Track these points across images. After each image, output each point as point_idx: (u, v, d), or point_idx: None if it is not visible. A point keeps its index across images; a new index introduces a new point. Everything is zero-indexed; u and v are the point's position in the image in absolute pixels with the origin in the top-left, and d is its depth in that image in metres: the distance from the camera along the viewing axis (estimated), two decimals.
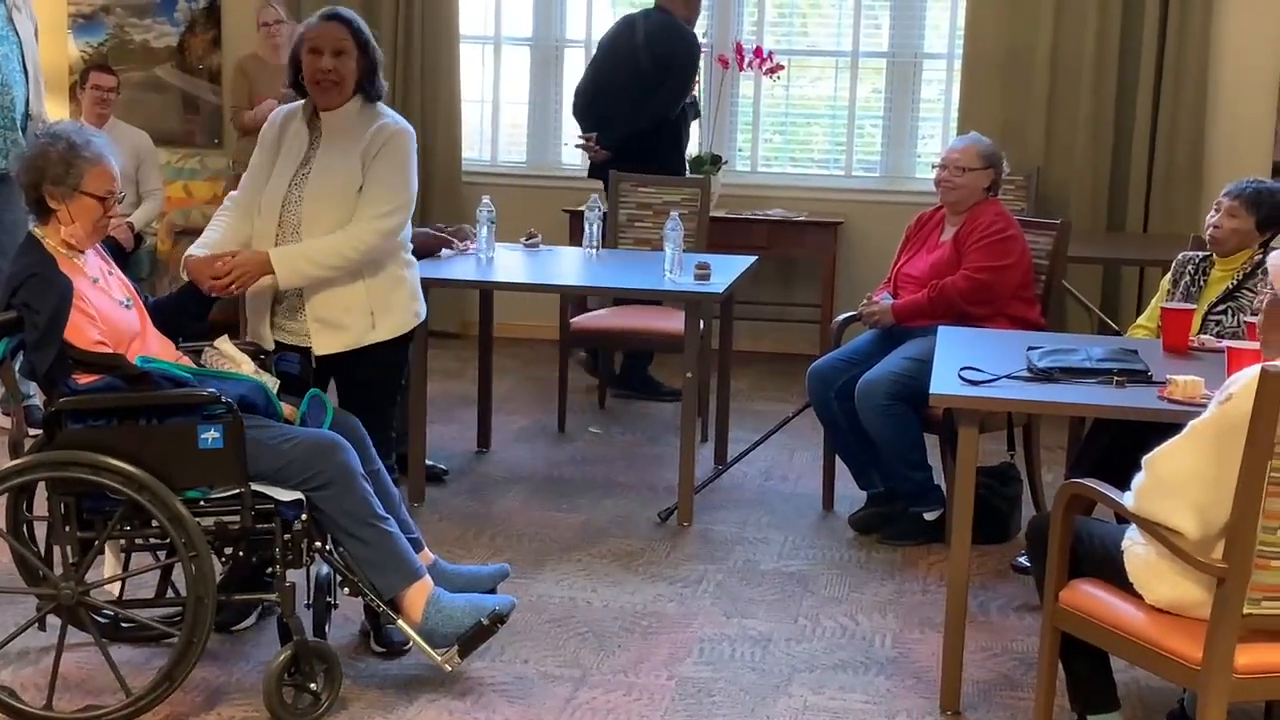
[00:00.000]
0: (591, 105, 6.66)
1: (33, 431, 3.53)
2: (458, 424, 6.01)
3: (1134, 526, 3.04)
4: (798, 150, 7.88)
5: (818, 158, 7.84)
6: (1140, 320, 4.57)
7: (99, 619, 3.58)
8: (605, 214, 5.81)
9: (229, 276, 3.68)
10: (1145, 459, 2.99)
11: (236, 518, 3.39)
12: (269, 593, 3.47)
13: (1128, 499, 3.01)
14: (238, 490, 3.37)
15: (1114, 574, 3.08)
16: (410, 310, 3.91)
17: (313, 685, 3.43)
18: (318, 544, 3.47)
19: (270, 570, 3.47)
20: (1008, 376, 3.62)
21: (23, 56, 5.59)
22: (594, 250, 5.58)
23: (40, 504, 3.48)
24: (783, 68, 7.45)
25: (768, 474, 5.52)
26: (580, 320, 5.99)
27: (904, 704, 3.64)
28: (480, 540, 4.72)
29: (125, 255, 6.61)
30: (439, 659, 3.53)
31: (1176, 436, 2.96)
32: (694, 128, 6.94)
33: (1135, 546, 3.06)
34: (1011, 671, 3.84)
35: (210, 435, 3.34)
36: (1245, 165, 6.51)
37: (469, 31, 7.83)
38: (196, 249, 3.80)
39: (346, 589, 3.56)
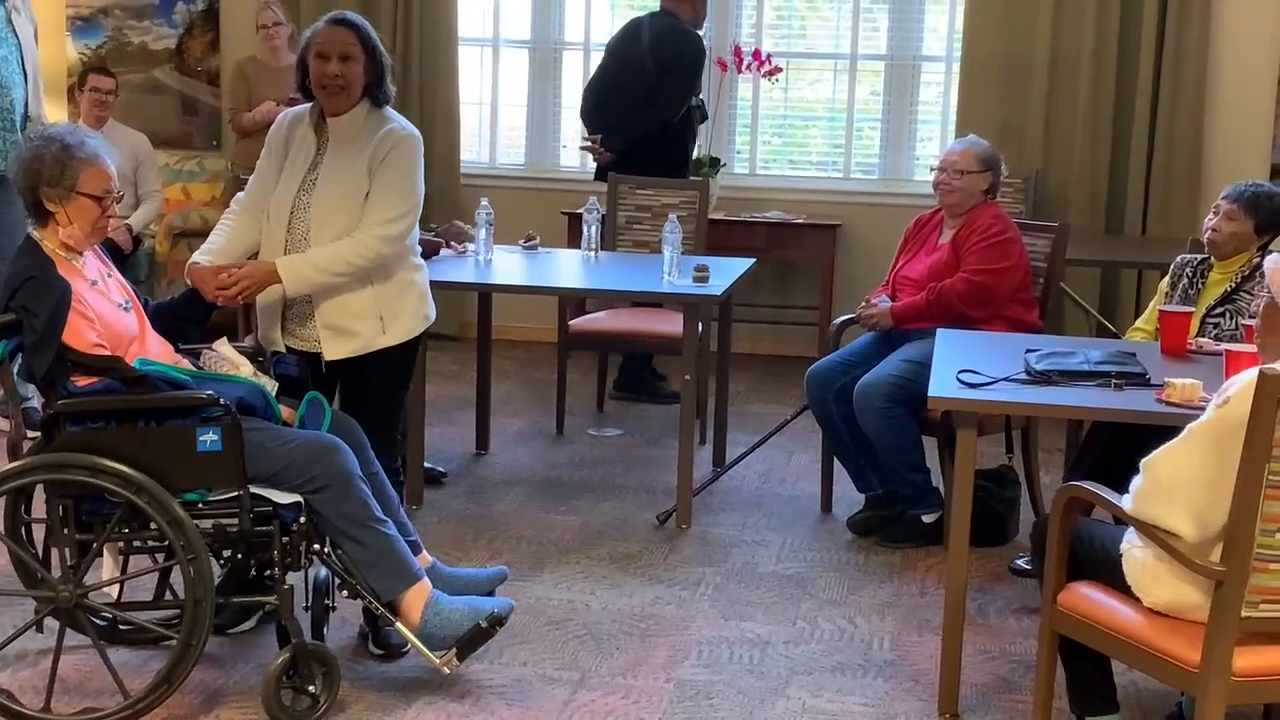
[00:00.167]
0: (597, 108, 6.68)
1: (31, 434, 3.53)
2: (456, 426, 6.01)
3: (1133, 529, 3.05)
4: (796, 153, 7.89)
5: (816, 160, 7.84)
6: (1138, 323, 4.57)
7: (97, 621, 3.58)
8: (604, 216, 5.81)
9: (235, 287, 3.68)
10: (1143, 462, 3.00)
11: (235, 520, 3.39)
12: (270, 596, 3.47)
13: (1126, 502, 3.02)
14: (236, 493, 3.37)
15: (1113, 576, 3.08)
16: (419, 314, 3.91)
17: (311, 688, 3.43)
18: (316, 546, 3.47)
19: (269, 573, 3.47)
20: (1006, 379, 3.63)
21: (22, 58, 5.59)
22: (593, 252, 5.58)
23: (39, 506, 3.48)
24: (781, 70, 7.47)
25: (766, 476, 5.52)
26: (579, 322, 5.99)
27: (902, 707, 3.64)
28: (479, 543, 4.72)
29: (124, 257, 6.61)
30: (437, 661, 3.53)
31: (1174, 439, 2.96)
32: (700, 131, 6.94)
33: (1134, 549, 3.06)
34: (1010, 674, 3.84)
35: (209, 438, 3.34)
36: (1244, 168, 6.52)
37: (467, 34, 7.84)
38: (201, 255, 3.80)
39: (345, 591, 3.56)
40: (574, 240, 6.72)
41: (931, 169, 5.04)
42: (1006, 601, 4.33)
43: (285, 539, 3.43)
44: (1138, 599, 3.03)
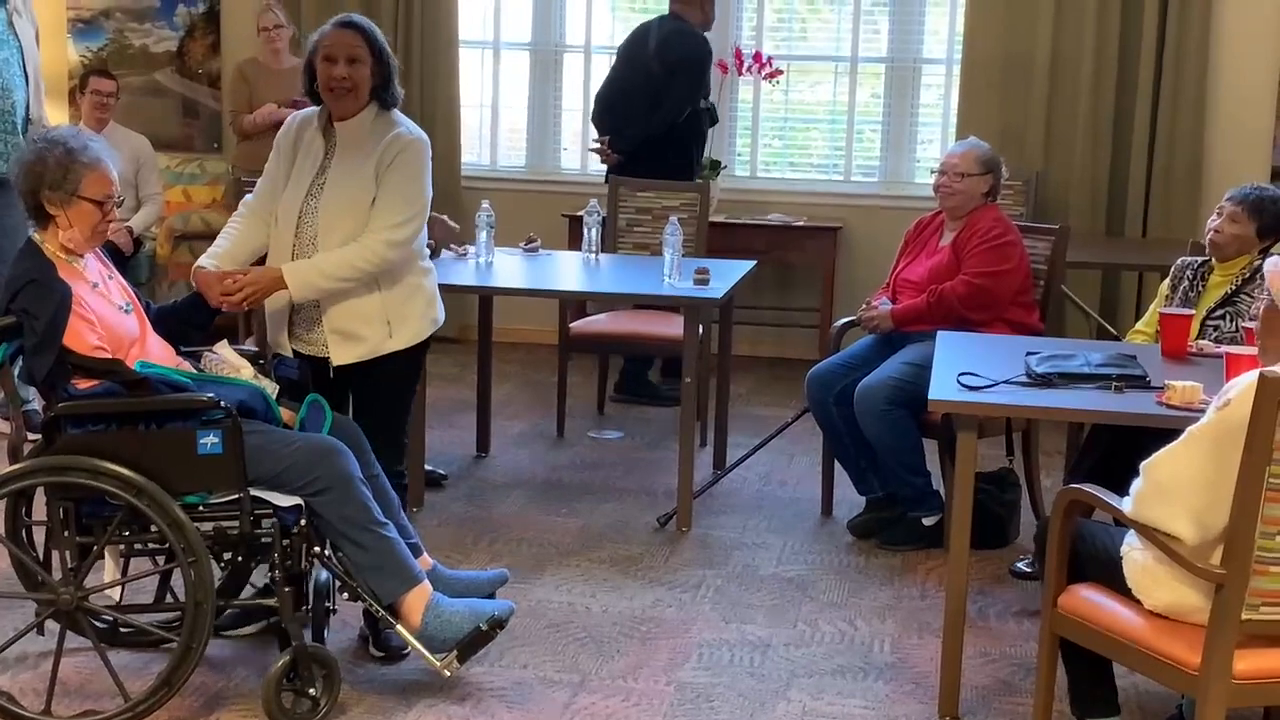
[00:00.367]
0: (607, 111, 6.71)
1: (32, 436, 3.53)
2: (457, 429, 6.01)
3: (1133, 532, 3.05)
4: (797, 155, 7.89)
5: (817, 163, 7.84)
6: (1139, 325, 4.57)
7: (98, 624, 3.58)
8: (604, 219, 5.81)
9: (240, 294, 3.68)
10: (1143, 464, 2.99)
11: (235, 523, 3.39)
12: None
13: (1126, 504, 3.01)
14: (237, 495, 3.38)
15: (1113, 579, 3.08)
16: (427, 317, 3.91)
17: (311, 690, 3.43)
18: (316, 549, 3.47)
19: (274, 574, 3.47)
20: (1006, 382, 3.63)
21: (23, 61, 5.59)
22: (593, 255, 5.59)
23: (39, 509, 3.48)
24: (782, 73, 7.46)
25: (767, 479, 5.52)
26: (580, 325, 5.99)
27: (903, 709, 3.64)
28: (479, 545, 4.72)
29: (125, 260, 6.61)
30: (438, 664, 3.53)
31: (1175, 442, 2.96)
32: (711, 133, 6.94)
33: (1134, 552, 3.06)
34: (1010, 677, 3.84)
35: (209, 440, 3.34)
36: (1244, 170, 6.53)
37: (468, 36, 7.84)
38: (207, 259, 3.80)
39: (345, 594, 3.56)
40: (575, 242, 6.72)
41: (932, 171, 5.04)
42: (1007, 604, 4.33)
43: (286, 541, 3.43)
44: (1138, 601, 3.03)
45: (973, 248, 4.80)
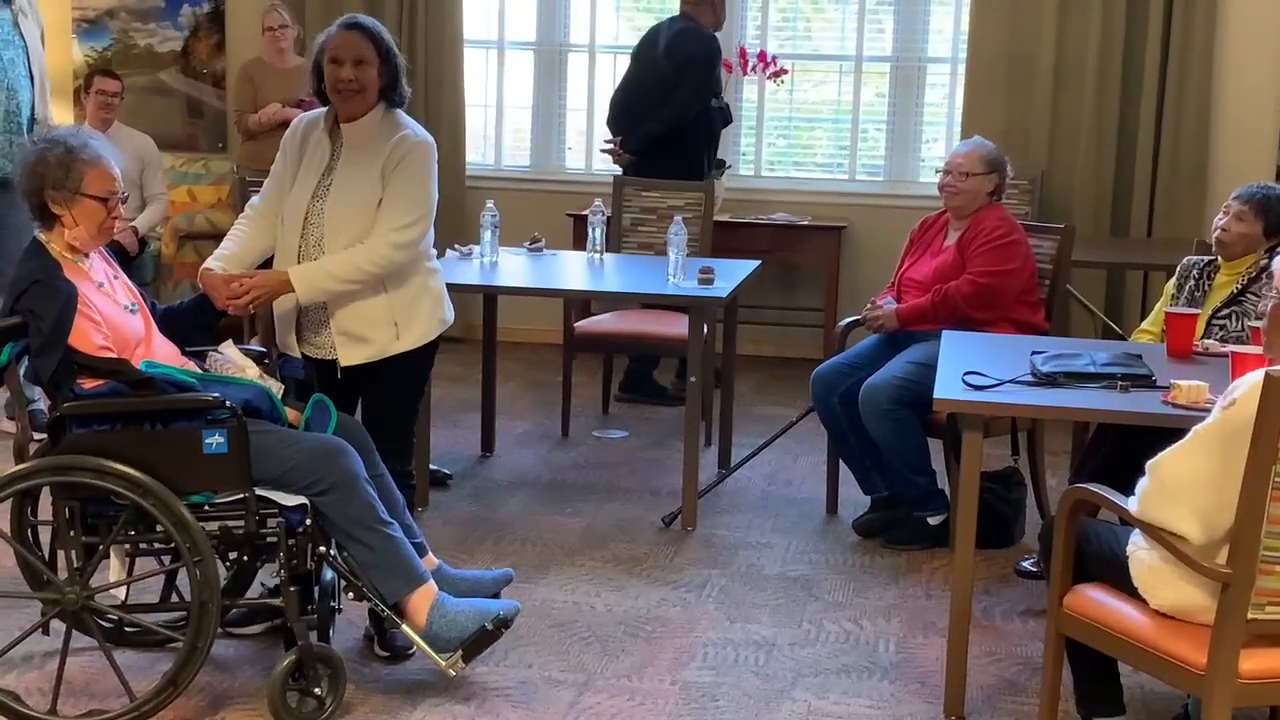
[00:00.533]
0: (622, 112, 6.73)
1: (37, 436, 3.53)
2: (461, 428, 6.01)
3: (1138, 531, 3.04)
4: (801, 155, 7.89)
5: (821, 162, 7.84)
6: (1144, 325, 4.57)
7: (103, 623, 3.59)
8: (609, 218, 5.81)
9: (246, 297, 3.68)
10: (1149, 464, 2.99)
11: (241, 522, 3.40)
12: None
13: (1131, 504, 3.01)
14: (242, 495, 3.38)
15: (1119, 578, 3.08)
16: (435, 318, 3.91)
17: (317, 690, 3.43)
18: (322, 549, 3.47)
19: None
20: (1012, 381, 3.63)
21: (28, 61, 5.59)
22: (598, 255, 5.59)
23: (45, 509, 3.49)
24: (786, 72, 7.47)
25: (771, 478, 5.52)
26: (584, 324, 5.99)
27: (908, 709, 3.64)
28: (484, 545, 4.72)
29: (130, 260, 6.61)
30: (443, 664, 3.53)
31: (1180, 441, 2.95)
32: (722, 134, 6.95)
33: (1139, 551, 3.06)
34: (1016, 676, 3.84)
35: (215, 440, 3.34)
36: (1249, 169, 6.51)
37: (473, 36, 7.84)
38: (214, 262, 3.80)
39: (351, 594, 3.56)
40: (579, 242, 6.72)
41: (937, 171, 5.04)
42: (1012, 603, 4.32)
43: (291, 541, 3.43)
44: (1144, 601, 3.02)
45: (978, 247, 4.79)
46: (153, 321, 3.66)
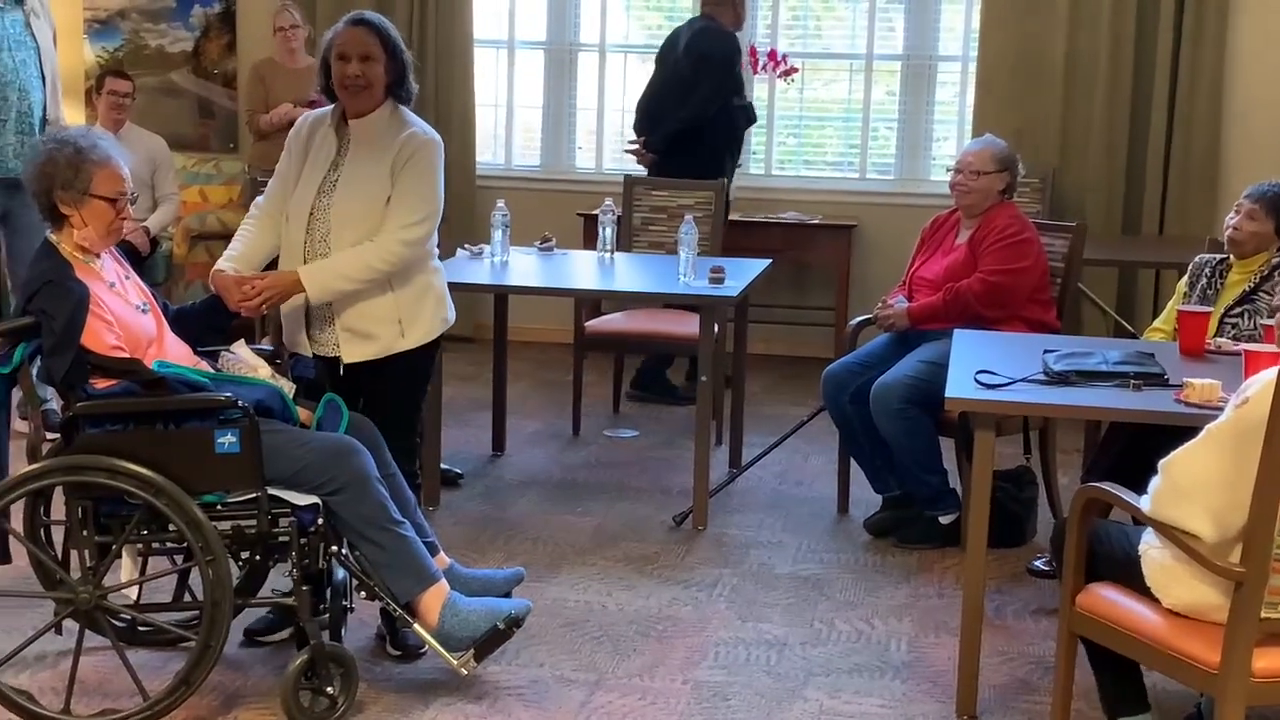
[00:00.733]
0: (646, 114, 6.76)
1: (50, 436, 3.54)
2: (472, 428, 6.02)
3: (1151, 530, 3.04)
4: (812, 153, 7.88)
5: (832, 161, 7.84)
6: (1156, 323, 4.56)
7: (116, 623, 3.59)
8: (619, 218, 5.81)
9: (259, 298, 3.69)
10: (1161, 463, 2.99)
11: (253, 522, 3.40)
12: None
13: (1144, 503, 3.01)
14: (254, 494, 3.38)
15: (1132, 577, 3.07)
16: (438, 317, 3.91)
17: (329, 689, 3.43)
18: (334, 548, 3.48)
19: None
20: (1023, 380, 3.62)
21: (40, 62, 5.61)
22: (608, 254, 5.59)
23: (58, 508, 3.49)
24: (797, 71, 7.47)
25: (782, 478, 5.51)
26: (595, 324, 5.99)
27: (920, 708, 3.63)
28: (495, 544, 4.72)
29: (141, 260, 6.63)
30: (455, 663, 3.53)
31: (1193, 440, 2.95)
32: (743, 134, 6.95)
33: (1152, 550, 3.05)
34: (1028, 675, 3.83)
35: (227, 440, 3.35)
36: (1261, 167, 6.48)
37: (483, 35, 7.85)
38: (225, 263, 3.80)
39: (363, 593, 3.57)
40: (589, 242, 6.72)
41: (948, 169, 5.03)
42: (1024, 602, 4.32)
43: (303, 540, 3.43)
44: (1156, 600, 3.02)
45: (989, 245, 4.79)
46: (165, 321, 3.66)
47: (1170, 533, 2.93)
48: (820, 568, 4.59)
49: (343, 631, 3.65)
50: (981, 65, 7.15)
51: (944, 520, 4.76)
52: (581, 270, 5.52)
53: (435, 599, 3.52)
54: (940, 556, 4.69)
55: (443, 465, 5.19)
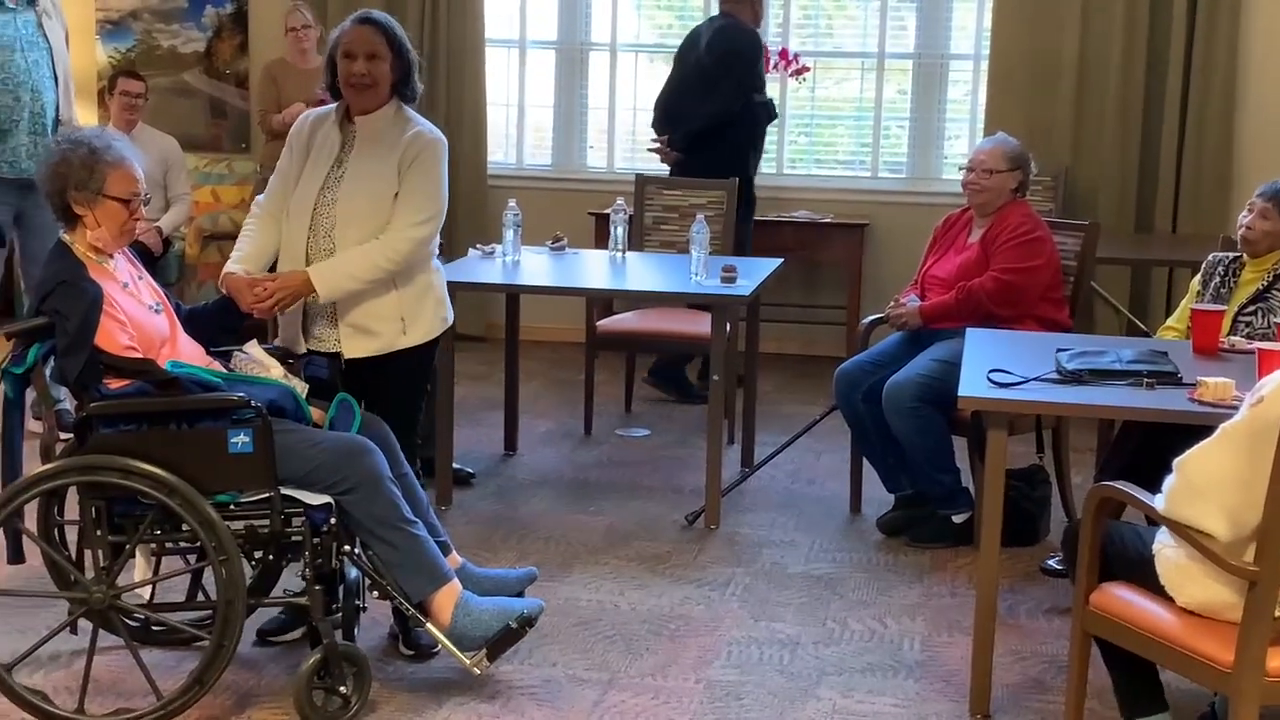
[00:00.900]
0: (666, 112, 6.75)
1: (64, 436, 3.55)
2: (484, 427, 6.02)
3: (1165, 529, 3.03)
4: (823, 152, 7.87)
5: (843, 159, 7.83)
6: (1170, 322, 4.55)
7: (130, 622, 3.60)
8: (631, 217, 5.81)
9: (271, 300, 3.69)
10: (1176, 462, 2.98)
11: (266, 521, 3.41)
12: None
13: (1158, 502, 3.00)
14: (267, 494, 3.39)
15: (1145, 577, 3.07)
16: (439, 316, 3.92)
17: (342, 688, 3.44)
18: (346, 547, 3.48)
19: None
20: (1036, 379, 3.61)
21: (53, 63, 5.62)
22: (620, 253, 5.59)
23: (71, 508, 3.50)
24: (808, 69, 7.46)
25: (794, 476, 5.51)
26: (607, 323, 5.99)
27: (933, 708, 3.63)
28: (507, 543, 4.73)
29: (154, 260, 6.65)
30: (468, 662, 3.53)
31: (1207, 439, 2.94)
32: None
33: (1166, 549, 3.04)
34: (1041, 675, 3.82)
35: (240, 440, 3.36)
36: (1274, 165, 6.46)
37: (494, 35, 7.85)
38: (234, 265, 3.81)
39: (375, 592, 3.57)
40: (601, 241, 6.72)
41: (960, 168, 5.02)
42: (1037, 602, 4.31)
43: (316, 540, 3.44)
44: (1170, 599, 3.01)
45: (1002, 244, 4.78)
46: (177, 321, 3.67)
47: (1185, 532, 2.93)
48: (833, 567, 4.59)
49: (355, 631, 3.65)
50: (993, 63, 7.14)
51: (957, 519, 4.75)
52: (593, 270, 5.52)
53: (448, 598, 3.52)
54: (953, 556, 4.68)
55: (455, 465, 5.19)
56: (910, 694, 3.70)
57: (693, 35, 6.78)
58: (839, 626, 4.11)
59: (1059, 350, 3.83)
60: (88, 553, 3.48)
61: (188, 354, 3.60)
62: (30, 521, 3.54)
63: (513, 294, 5.67)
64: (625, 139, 7.90)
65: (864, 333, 5.12)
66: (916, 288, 5.03)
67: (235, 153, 8.04)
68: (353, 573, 3.60)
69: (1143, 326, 6.65)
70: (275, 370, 3.68)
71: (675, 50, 6.90)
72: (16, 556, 3.51)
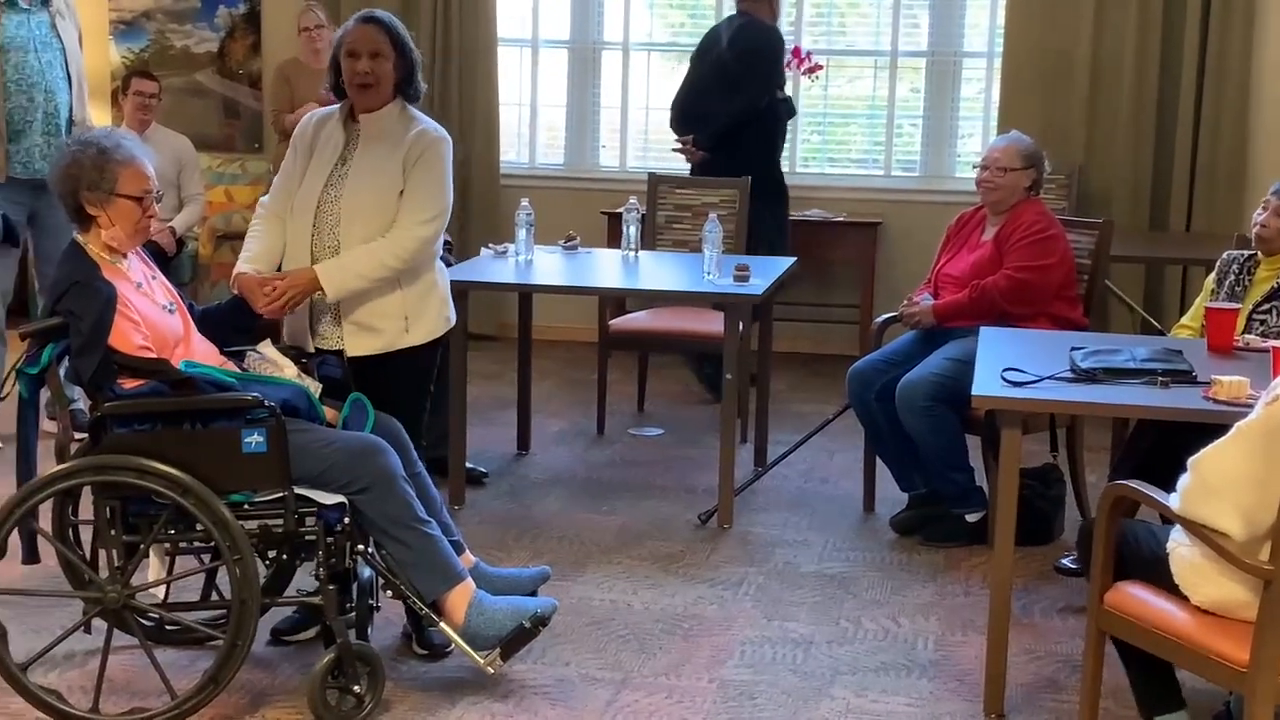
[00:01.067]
0: (686, 112, 6.73)
1: (78, 436, 3.56)
2: (497, 426, 6.02)
3: (1179, 528, 3.02)
4: (836, 150, 7.86)
5: (856, 158, 7.82)
6: (1184, 320, 4.53)
7: (144, 622, 3.60)
8: (643, 216, 5.81)
9: (283, 299, 3.70)
10: (1190, 460, 2.97)
11: (280, 521, 3.41)
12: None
13: (1173, 500, 2.99)
14: (281, 494, 3.39)
15: (1160, 576, 3.06)
16: (442, 315, 3.93)
17: (356, 688, 3.44)
18: (360, 547, 3.49)
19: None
20: (1050, 377, 3.60)
21: (66, 63, 5.64)
22: (632, 252, 5.59)
23: (86, 508, 3.51)
24: (821, 68, 7.45)
25: (808, 476, 5.51)
26: (619, 322, 5.99)
27: (947, 707, 3.62)
28: (520, 543, 4.73)
29: (167, 260, 6.66)
30: (481, 661, 3.54)
31: (1222, 438, 2.93)
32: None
33: (1180, 548, 3.03)
34: (1056, 674, 3.81)
35: (254, 439, 3.36)
36: None
37: (507, 34, 7.85)
38: (245, 265, 3.82)
39: (389, 591, 3.58)
40: (614, 240, 6.72)
41: (973, 166, 5.01)
42: (1052, 601, 4.30)
43: (329, 539, 3.44)
44: (1185, 598, 3.00)
45: (1015, 242, 4.77)
46: (191, 321, 3.68)
47: (1199, 531, 2.92)
48: (846, 566, 4.58)
49: (369, 630, 3.66)
50: (1007, 61, 7.13)
51: (970, 518, 4.75)
52: (606, 269, 5.52)
53: (461, 597, 3.53)
54: (967, 555, 4.67)
55: (468, 464, 5.19)
56: (924, 693, 3.69)
57: (711, 34, 6.76)
58: (853, 626, 4.11)
59: (1073, 349, 3.82)
60: (102, 552, 3.49)
61: (202, 354, 3.61)
62: (45, 521, 3.55)
63: (525, 293, 5.67)
64: (638, 138, 7.90)
65: (877, 331, 5.12)
66: (930, 286, 5.02)
67: (248, 153, 8.05)
68: (366, 572, 3.61)
69: (1157, 325, 6.63)
70: (289, 370, 3.68)
71: (689, 49, 6.90)
72: (31, 556, 3.52)
